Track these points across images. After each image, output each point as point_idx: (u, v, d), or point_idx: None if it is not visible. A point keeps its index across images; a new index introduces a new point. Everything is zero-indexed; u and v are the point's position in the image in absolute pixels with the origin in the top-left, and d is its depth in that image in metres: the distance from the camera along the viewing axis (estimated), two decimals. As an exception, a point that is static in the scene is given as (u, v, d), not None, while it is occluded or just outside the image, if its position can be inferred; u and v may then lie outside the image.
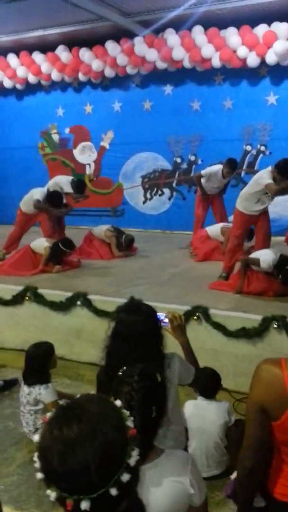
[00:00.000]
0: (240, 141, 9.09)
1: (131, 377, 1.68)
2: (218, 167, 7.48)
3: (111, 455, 1.08)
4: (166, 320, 2.60)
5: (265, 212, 6.00)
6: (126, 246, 7.79)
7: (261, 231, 6.14)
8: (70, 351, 5.42)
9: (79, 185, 7.66)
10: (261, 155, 9.01)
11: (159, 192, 10.07)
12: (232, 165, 7.35)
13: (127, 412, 1.18)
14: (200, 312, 4.83)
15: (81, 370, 5.23)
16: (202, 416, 3.46)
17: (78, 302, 5.46)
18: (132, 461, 1.10)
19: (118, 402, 1.19)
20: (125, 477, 1.07)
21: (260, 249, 5.93)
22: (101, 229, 7.92)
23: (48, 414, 1.15)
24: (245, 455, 1.71)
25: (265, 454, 1.72)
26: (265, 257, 5.27)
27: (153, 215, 10.19)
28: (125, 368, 1.76)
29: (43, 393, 3.81)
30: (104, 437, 1.08)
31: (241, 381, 4.31)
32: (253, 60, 8.34)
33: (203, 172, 7.59)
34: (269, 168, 5.69)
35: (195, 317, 4.82)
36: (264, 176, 5.66)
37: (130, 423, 1.15)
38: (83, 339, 5.44)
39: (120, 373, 1.76)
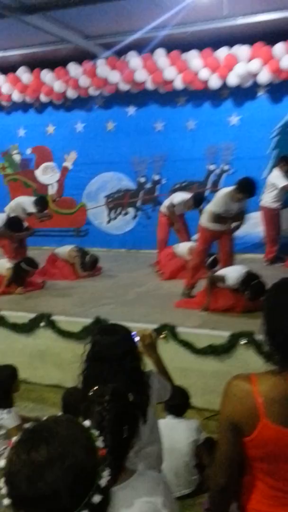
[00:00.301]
0: (204, 160, 9.21)
1: (103, 396, 1.66)
2: (184, 197, 7.52)
3: (81, 477, 1.06)
4: (137, 338, 2.55)
5: (228, 228, 6.05)
6: (90, 266, 7.70)
7: (225, 248, 6.18)
8: (33, 374, 5.26)
9: (41, 201, 7.60)
10: (225, 174, 9.14)
11: (124, 212, 10.07)
12: (196, 202, 7.43)
13: (96, 433, 1.16)
14: (167, 330, 4.78)
15: (45, 393, 5.08)
16: (171, 435, 3.38)
17: (42, 324, 5.34)
18: (103, 482, 1.09)
19: (86, 423, 1.17)
20: (96, 498, 1.06)
21: (224, 265, 5.96)
22: (65, 250, 7.82)
23: (14, 439, 1.11)
24: (217, 473, 1.68)
25: (237, 471, 1.70)
26: (232, 274, 5.29)
27: (117, 234, 10.15)
28: (96, 387, 1.73)
29: (5, 417, 3.67)
30: (74, 459, 1.06)
31: (210, 398, 4.26)
32: (214, 82, 8.50)
33: (175, 202, 7.57)
34: (230, 188, 5.78)
35: (163, 336, 4.76)
36: (220, 199, 5.76)
37: (99, 443, 1.14)
38: (47, 362, 5.31)
39: (91, 393, 1.73)
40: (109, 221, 10.22)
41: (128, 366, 2.20)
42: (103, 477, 1.09)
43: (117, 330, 2.35)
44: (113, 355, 2.20)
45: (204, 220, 6.04)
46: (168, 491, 1.66)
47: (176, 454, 3.33)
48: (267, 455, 1.60)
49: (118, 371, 2.14)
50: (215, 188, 9.05)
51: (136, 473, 1.63)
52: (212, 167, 9.21)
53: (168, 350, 4.67)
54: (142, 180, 9.80)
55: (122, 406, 1.65)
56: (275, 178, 7.66)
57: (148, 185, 9.78)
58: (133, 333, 2.47)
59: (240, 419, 1.59)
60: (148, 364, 2.64)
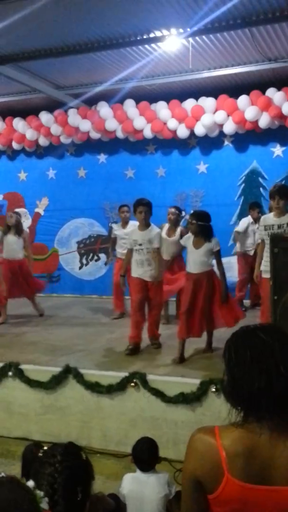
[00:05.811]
0: (174, 207, 9.35)
1: (54, 457, 1.55)
2: None
3: None
4: None
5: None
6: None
7: (153, 301, 5.97)
8: None
9: None
10: (194, 220, 9.28)
11: (95, 257, 10.07)
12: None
13: (41, 493, 1.10)
14: (137, 379, 4.71)
15: (12, 446, 4.90)
16: (141, 490, 3.29)
17: (10, 373, 5.20)
18: None
19: (30, 483, 1.11)
20: None
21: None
22: None
23: None
24: None
25: None
26: None
27: (89, 280, 10.11)
28: (45, 448, 1.62)
29: None
30: None
31: (181, 449, 4.13)
32: (182, 132, 8.76)
33: None
34: None
35: (133, 384, 4.69)
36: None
37: (44, 505, 1.11)
38: (14, 413, 5.15)
39: (41, 454, 1.62)
40: (81, 267, 10.20)
41: None
42: None
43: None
44: None
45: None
46: None
47: (146, 509, 3.22)
48: None
49: None
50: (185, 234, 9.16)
51: None
52: (182, 213, 9.33)
53: (139, 399, 4.62)
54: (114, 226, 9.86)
55: (75, 466, 1.54)
56: (239, 224, 7.98)
57: (120, 231, 9.82)
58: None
59: (203, 475, 1.49)
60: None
